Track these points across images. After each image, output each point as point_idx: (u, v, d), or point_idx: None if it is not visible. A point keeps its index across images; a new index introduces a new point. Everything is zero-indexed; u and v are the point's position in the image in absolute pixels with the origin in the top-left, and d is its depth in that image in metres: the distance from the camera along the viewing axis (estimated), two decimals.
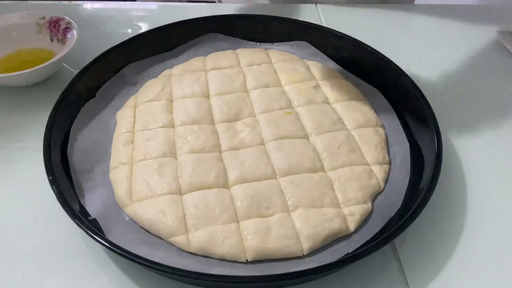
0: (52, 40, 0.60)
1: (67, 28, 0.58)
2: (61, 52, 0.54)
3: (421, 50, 0.65)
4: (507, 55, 0.64)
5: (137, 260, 0.33)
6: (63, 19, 0.59)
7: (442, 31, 0.67)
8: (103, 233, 0.36)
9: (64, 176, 0.40)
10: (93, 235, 0.34)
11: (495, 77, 0.60)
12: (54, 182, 0.37)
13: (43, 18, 0.60)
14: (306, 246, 0.37)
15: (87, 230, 0.34)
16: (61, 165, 0.41)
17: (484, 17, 0.72)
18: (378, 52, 0.54)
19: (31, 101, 0.54)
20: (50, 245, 0.39)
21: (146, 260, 0.33)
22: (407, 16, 0.73)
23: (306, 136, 0.47)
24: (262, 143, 0.46)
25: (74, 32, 0.57)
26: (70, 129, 0.45)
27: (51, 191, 0.37)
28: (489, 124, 0.53)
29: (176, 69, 0.56)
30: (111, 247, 0.33)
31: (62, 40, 0.58)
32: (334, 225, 0.38)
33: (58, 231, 0.40)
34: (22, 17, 0.60)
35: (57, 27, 0.58)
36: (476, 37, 0.67)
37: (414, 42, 0.67)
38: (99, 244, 0.34)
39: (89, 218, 0.38)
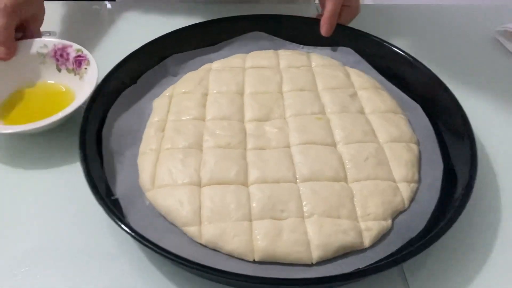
0: (59, 70, 0.52)
1: (79, 56, 0.50)
2: (82, 91, 0.47)
3: (420, 49, 0.62)
4: (507, 55, 0.63)
5: (146, 243, 0.34)
6: (71, 45, 0.51)
7: (442, 31, 0.65)
8: (122, 213, 0.38)
9: (97, 155, 0.43)
10: (111, 214, 0.36)
11: (494, 77, 0.57)
12: (84, 159, 0.39)
13: (45, 46, 0.52)
14: (316, 254, 0.36)
15: (105, 208, 0.36)
16: (95, 145, 0.44)
17: (484, 17, 0.71)
18: (424, 66, 0.52)
19: None
20: (50, 246, 0.39)
21: (155, 244, 0.34)
22: (405, 16, 0.70)
23: (333, 144, 0.46)
24: (288, 145, 0.45)
25: (93, 64, 0.49)
26: (108, 111, 0.47)
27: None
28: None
29: (216, 64, 0.57)
30: (126, 228, 0.35)
31: (75, 71, 0.51)
32: (348, 238, 0.37)
33: (57, 231, 0.40)
34: (20, 48, 0.51)
35: (65, 56, 0.51)
36: (475, 37, 0.66)
37: (413, 41, 0.64)
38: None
39: (112, 197, 0.39)
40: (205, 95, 0.52)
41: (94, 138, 0.44)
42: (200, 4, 0.70)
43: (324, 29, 0.57)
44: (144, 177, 0.42)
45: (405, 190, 0.42)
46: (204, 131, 0.46)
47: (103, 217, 0.38)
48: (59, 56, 0.51)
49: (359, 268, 0.35)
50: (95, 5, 0.71)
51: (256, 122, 0.48)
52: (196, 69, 0.57)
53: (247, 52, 0.59)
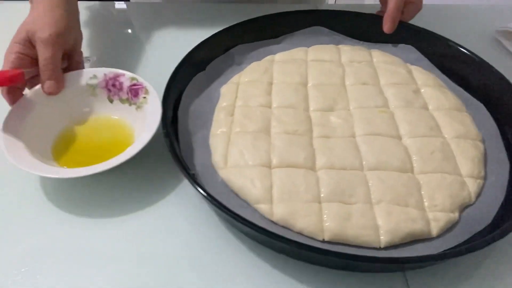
0: (111, 101, 0.48)
1: (134, 85, 0.46)
2: (140, 122, 0.46)
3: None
4: (507, 55, 0.63)
5: (228, 212, 0.36)
6: (123, 74, 0.48)
7: (442, 30, 0.63)
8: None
9: (173, 134, 0.45)
10: (195, 184, 0.38)
11: None
12: (167, 135, 0.42)
13: (95, 76, 0.48)
14: (384, 239, 0.38)
15: (191, 179, 0.38)
16: (172, 124, 0.46)
17: (484, 17, 0.72)
18: (491, 66, 0.52)
19: None
20: (51, 245, 0.39)
21: (236, 214, 0.36)
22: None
23: (398, 137, 0.46)
24: (353, 135, 0.47)
25: (153, 93, 0.46)
26: (182, 93, 0.50)
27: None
28: None
29: (279, 56, 0.58)
30: (210, 198, 0.37)
31: (130, 101, 0.47)
32: (416, 226, 0.38)
33: (56, 231, 0.41)
34: (67, 80, 0.47)
35: (118, 85, 0.47)
36: (475, 37, 0.67)
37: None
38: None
39: (190, 172, 0.42)
40: (270, 84, 0.53)
41: (170, 118, 0.46)
42: (215, 4, 0.71)
43: (387, 27, 0.58)
44: (217, 157, 0.44)
45: (471, 185, 0.42)
46: (271, 117, 0.48)
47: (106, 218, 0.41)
48: (111, 86, 0.48)
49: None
50: (105, 6, 0.70)
51: (321, 112, 0.49)
52: (259, 59, 0.58)
53: (308, 46, 0.61)
